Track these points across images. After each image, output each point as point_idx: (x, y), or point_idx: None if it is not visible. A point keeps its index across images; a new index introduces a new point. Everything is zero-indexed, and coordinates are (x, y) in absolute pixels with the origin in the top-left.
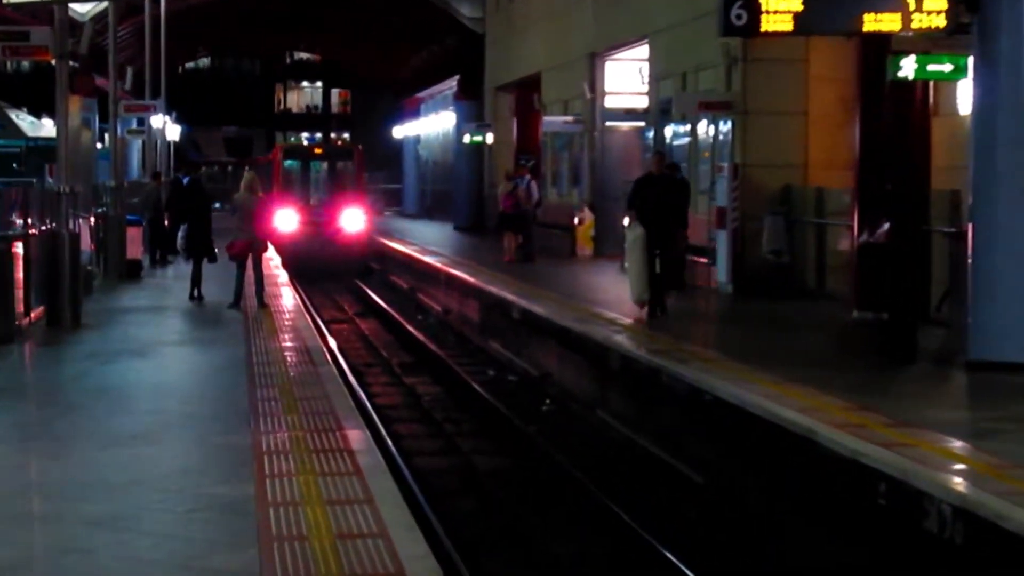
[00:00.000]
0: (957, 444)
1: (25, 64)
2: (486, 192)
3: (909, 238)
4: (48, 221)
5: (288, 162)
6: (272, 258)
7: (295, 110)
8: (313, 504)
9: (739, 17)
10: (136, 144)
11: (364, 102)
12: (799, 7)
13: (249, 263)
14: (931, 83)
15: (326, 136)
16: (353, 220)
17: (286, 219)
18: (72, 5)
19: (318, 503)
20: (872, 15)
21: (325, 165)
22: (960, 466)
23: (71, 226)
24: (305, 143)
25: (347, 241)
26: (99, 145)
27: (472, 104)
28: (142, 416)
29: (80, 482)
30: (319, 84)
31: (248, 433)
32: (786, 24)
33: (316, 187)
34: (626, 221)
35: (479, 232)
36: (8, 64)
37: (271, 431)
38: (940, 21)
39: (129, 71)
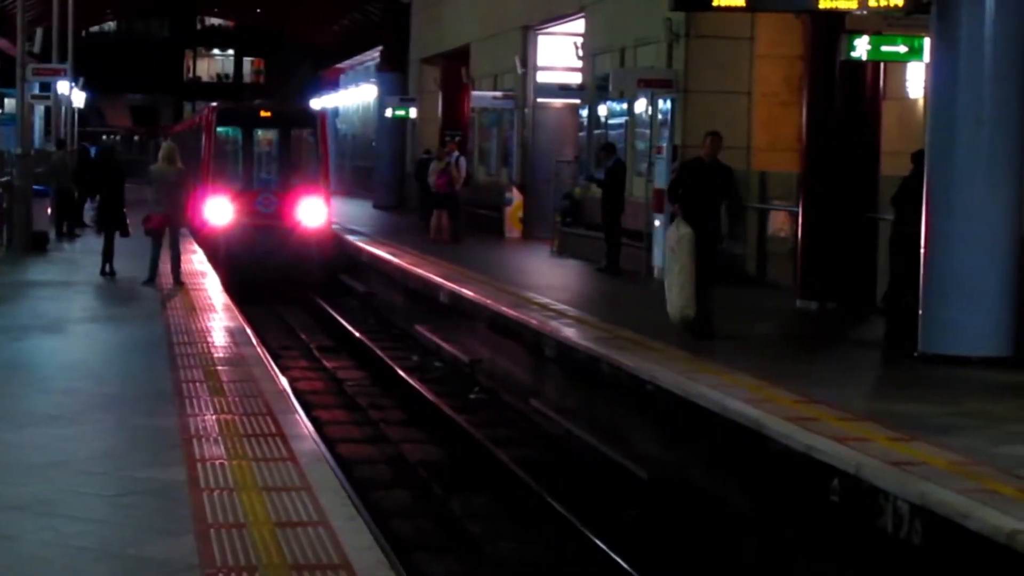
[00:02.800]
0: (908, 438)
1: None
2: (408, 169)
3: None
4: None
5: (224, 129)
6: (209, 276)
7: (205, 78)
8: (249, 490)
9: None
10: (38, 111)
11: (280, 72)
12: None
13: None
14: (882, 64)
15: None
16: (313, 212)
17: (219, 210)
18: None
19: (254, 489)
20: None
21: (276, 135)
22: (916, 461)
23: None
24: (251, 104)
25: (304, 241)
26: None
27: (396, 76)
28: (58, 396)
29: None
30: (231, 52)
31: (173, 415)
32: (739, 0)
33: (263, 165)
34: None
35: (400, 211)
36: None
37: (198, 413)
38: (898, 1)
39: (39, 32)
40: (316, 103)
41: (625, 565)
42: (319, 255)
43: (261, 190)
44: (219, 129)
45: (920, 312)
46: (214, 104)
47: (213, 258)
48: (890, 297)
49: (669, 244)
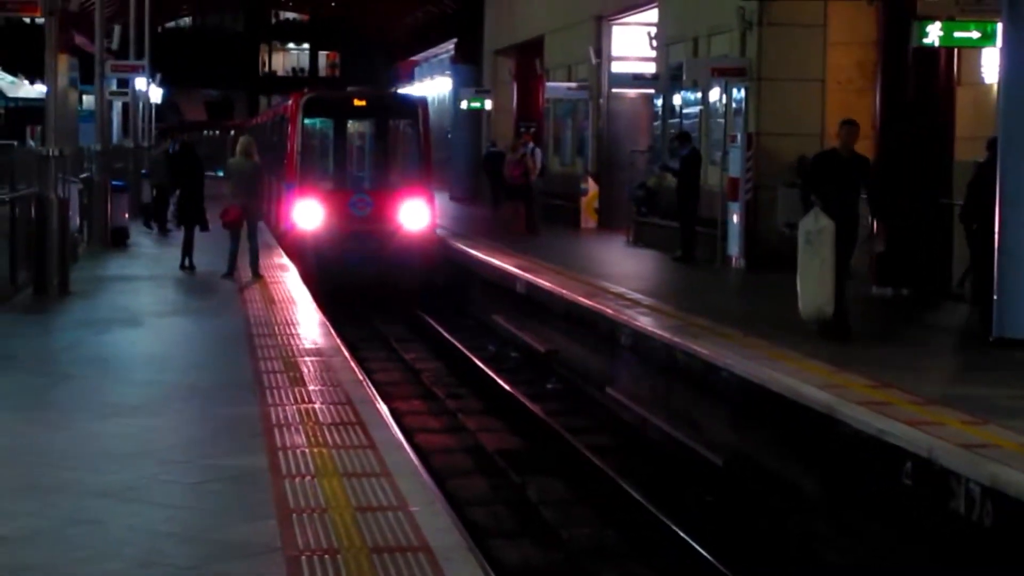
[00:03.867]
0: (980, 422)
1: None
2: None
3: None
4: (34, 185)
5: (313, 121)
6: (288, 269)
7: (280, 73)
8: (329, 476)
9: None
10: (116, 107)
11: (354, 65)
12: None
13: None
14: (955, 51)
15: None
16: (414, 214)
17: (308, 213)
18: None
19: (334, 475)
20: None
21: (372, 127)
22: (988, 444)
23: (59, 191)
24: (343, 92)
25: (404, 248)
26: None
27: (470, 68)
28: (141, 387)
29: (84, 453)
30: (306, 46)
31: (254, 405)
32: None
33: (357, 161)
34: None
35: (476, 202)
36: None
37: (278, 403)
38: None
39: (117, 29)
40: (413, 91)
41: (699, 548)
42: (421, 264)
43: (355, 190)
44: (307, 120)
45: (995, 298)
46: (301, 91)
47: (301, 266)
48: (976, 283)
49: (805, 237)
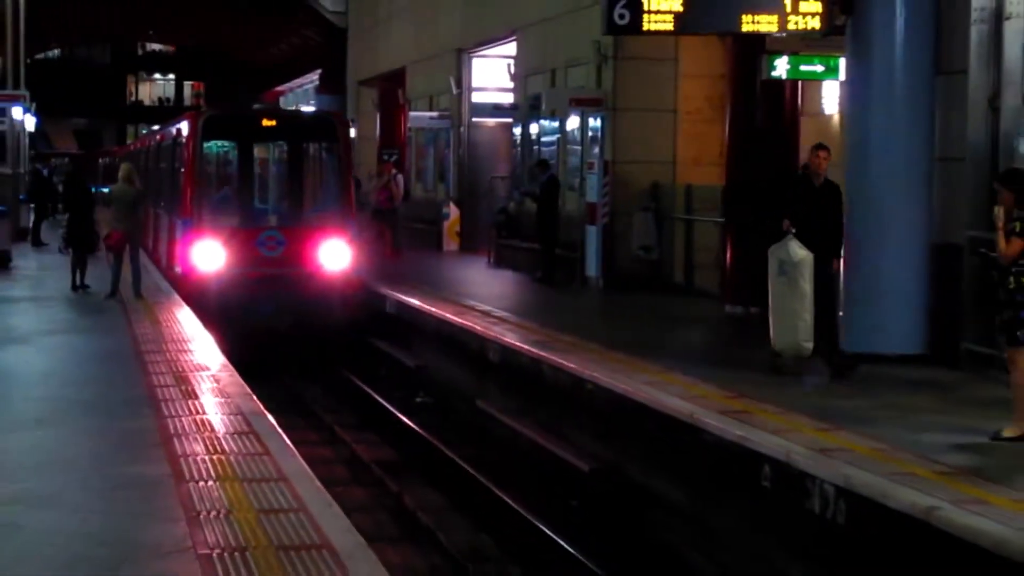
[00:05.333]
0: (834, 429)
1: None
2: None
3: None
4: None
5: (213, 144)
6: (169, 292)
7: (147, 102)
8: (230, 481)
9: (622, 16)
10: None
11: (219, 95)
12: (680, 8)
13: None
14: (800, 83)
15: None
16: (333, 253)
17: (208, 253)
18: None
19: (235, 480)
20: (750, 16)
21: (283, 150)
22: (839, 449)
23: None
24: (248, 110)
25: (321, 293)
26: None
27: (335, 98)
28: (40, 402)
29: None
30: (172, 76)
31: (151, 417)
32: (667, 24)
33: (267, 192)
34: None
35: None
36: None
37: (174, 415)
38: (816, 23)
39: None
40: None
41: (569, 547)
42: (342, 312)
43: (264, 226)
44: (205, 144)
45: (841, 314)
46: (198, 111)
47: (201, 315)
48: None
49: (779, 267)
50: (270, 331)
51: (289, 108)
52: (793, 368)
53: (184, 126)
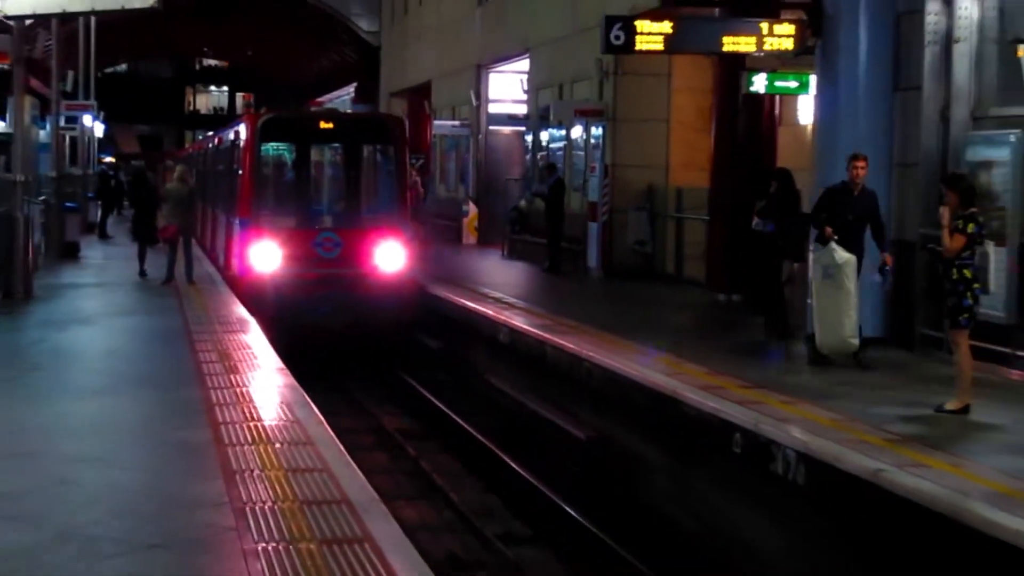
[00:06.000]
0: (799, 403)
1: None
2: None
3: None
4: (2, 206)
5: (271, 146)
6: (216, 279)
7: (203, 111)
8: (264, 444)
9: (618, 38)
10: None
11: (267, 104)
12: (669, 30)
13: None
14: (777, 96)
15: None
16: (389, 254)
17: (266, 254)
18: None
19: (268, 444)
20: (731, 38)
21: (340, 152)
22: (802, 420)
23: (24, 211)
24: (306, 112)
25: (378, 294)
26: None
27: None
28: (100, 375)
29: (58, 428)
30: (225, 88)
31: (197, 388)
32: (657, 44)
33: (324, 193)
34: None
35: None
36: None
37: (217, 387)
38: (789, 44)
39: (70, 75)
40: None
41: (567, 508)
42: (400, 313)
43: (321, 227)
44: (263, 146)
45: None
46: (256, 113)
47: (258, 316)
48: (764, 292)
49: (823, 271)
50: (326, 331)
51: (345, 111)
52: (836, 361)
53: (242, 128)
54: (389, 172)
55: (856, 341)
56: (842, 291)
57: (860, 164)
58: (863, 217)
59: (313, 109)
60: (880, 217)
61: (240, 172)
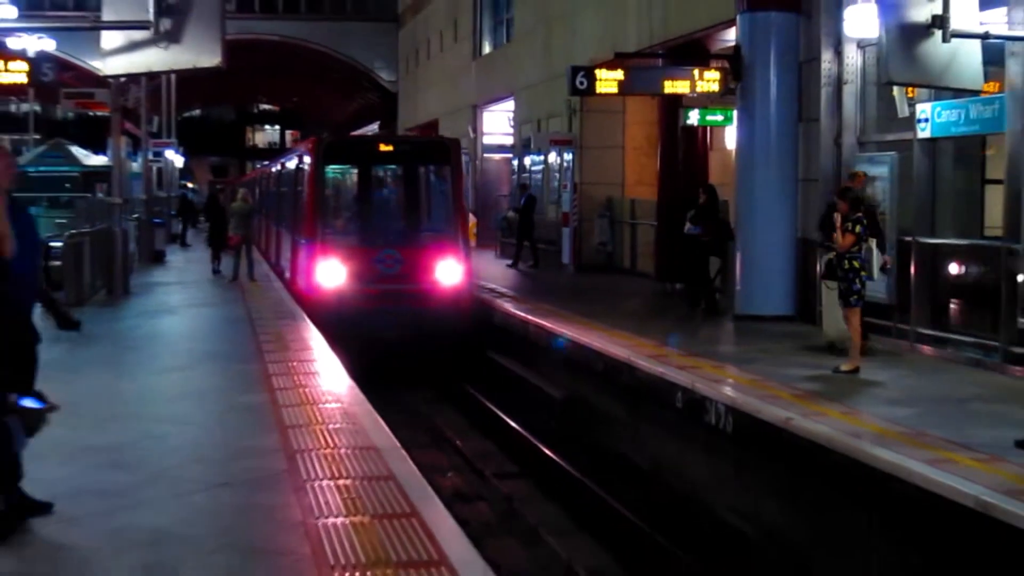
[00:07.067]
0: (726, 367)
1: (70, 113)
2: None
3: (716, 235)
4: (105, 223)
5: (333, 168)
6: (273, 279)
7: (260, 146)
8: (309, 404)
9: (582, 83)
10: (153, 170)
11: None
12: (622, 77)
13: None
14: (708, 127)
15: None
16: (448, 270)
17: (330, 271)
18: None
19: (312, 405)
20: (670, 82)
21: (399, 173)
22: (729, 380)
23: (122, 226)
24: (365, 136)
25: (438, 308)
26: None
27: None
28: (181, 354)
29: (148, 395)
30: (276, 127)
31: (257, 363)
32: (613, 88)
33: (384, 212)
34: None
35: None
36: (59, 111)
37: (273, 362)
38: (716, 86)
39: (156, 119)
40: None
41: (547, 451)
42: (456, 323)
43: (382, 244)
44: (326, 168)
45: (737, 287)
46: (319, 137)
47: (323, 330)
48: (689, 277)
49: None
50: (387, 342)
51: (403, 134)
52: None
53: (306, 152)
54: (445, 191)
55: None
56: None
57: (859, 179)
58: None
59: (373, 133)
60: (879, 224)
61: (305, 193)
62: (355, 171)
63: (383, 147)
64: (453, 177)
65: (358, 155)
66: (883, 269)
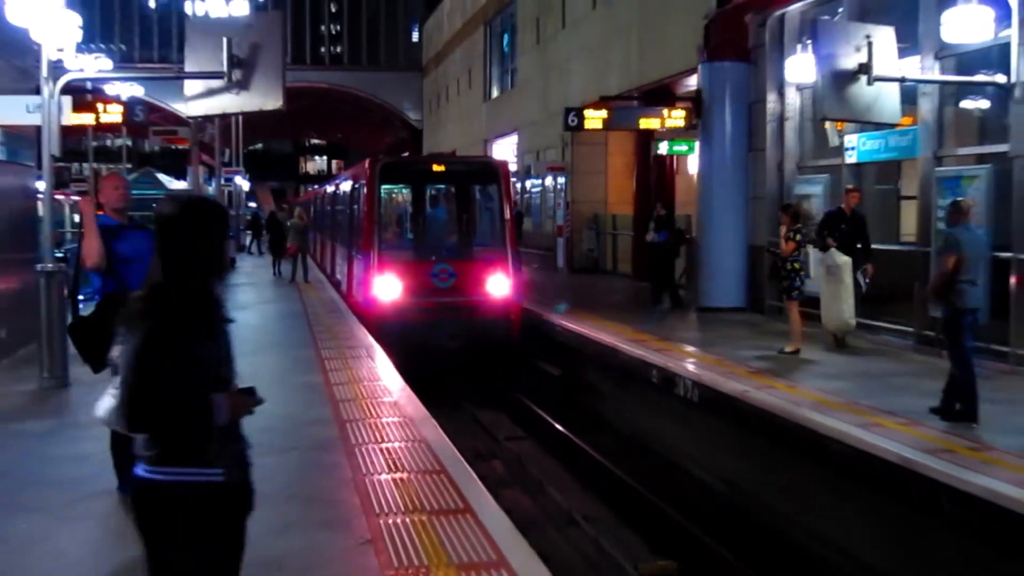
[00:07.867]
0: (692, 349)
1: (156, 146)
2: None
3: (676, 240)
4: None
5: (389, 187)
6: (323, 279)
7: (311, 172)
8: (356, 383)
9: (573, 121)
10: (225, 192)
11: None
12: (605, 115)
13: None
14: (675, 157)
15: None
16: (498, 283)
17: (388, 285)
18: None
19: (359, 383)
20: (645, 119)
21: (451, 192)
22: (694, 360)
23: None
24: (419, 157)
25: (489, 320)
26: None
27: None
28: (252, 342)
29: None
30: (324, 157)
31: (313, 350)
32: (598, 124)
33: (437, 229)
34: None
35: None
36: (147, 145)
37: (326, 348)
38: (681, 122)
39: (227, 151)
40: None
41: (547, 416)
42: (506, 333)
43: (436, 259)
44: (383, 187)
45: (700, 285)
46: (375, 157)
47: (381, 341)
48: (655, 276)
49: (827, 269)
50: (442, 352)
51: (454, 155)
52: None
53: (363, 171)
54: (494, 208)
55: (854, 322)
56: (841, 285)
57: (855, 194)
58: (852, 233)
59: (427, 154)
60: (867, 235)
61: (362, 211)
62: (409, 190)
63: (436, 167)
64: (501, 195)
65: (412, 175)
66: (865, 275)
